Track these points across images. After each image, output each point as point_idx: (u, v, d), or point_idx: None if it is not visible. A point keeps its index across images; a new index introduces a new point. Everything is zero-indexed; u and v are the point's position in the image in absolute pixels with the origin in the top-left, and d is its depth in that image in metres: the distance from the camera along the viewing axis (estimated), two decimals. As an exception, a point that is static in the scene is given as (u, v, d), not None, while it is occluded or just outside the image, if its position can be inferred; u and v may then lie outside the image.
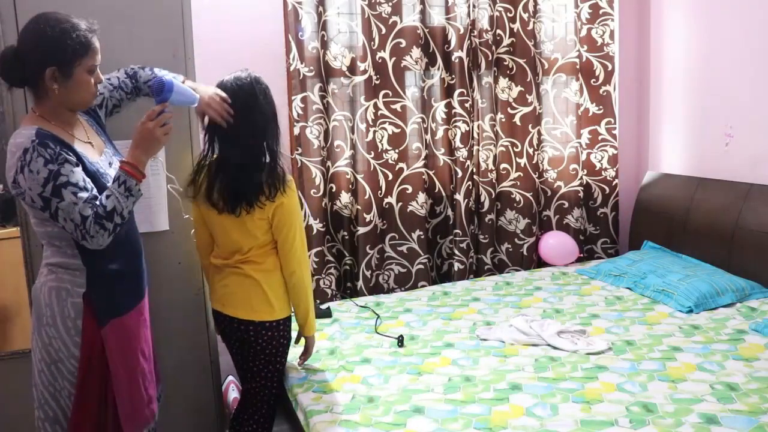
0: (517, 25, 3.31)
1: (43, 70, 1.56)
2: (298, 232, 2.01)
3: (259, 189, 1.92)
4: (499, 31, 3.29)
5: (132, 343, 1.75)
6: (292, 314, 2.86)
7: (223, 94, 1.90)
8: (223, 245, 2.05)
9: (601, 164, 3.59)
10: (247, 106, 1.92)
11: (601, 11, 3.45)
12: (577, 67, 3.46)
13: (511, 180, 3.42)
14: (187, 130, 2.17)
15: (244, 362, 2.09)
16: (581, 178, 3.54)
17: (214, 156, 2.00)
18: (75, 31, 1.58)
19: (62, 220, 1.56)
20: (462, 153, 3.27)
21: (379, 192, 3.17)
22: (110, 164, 1.74)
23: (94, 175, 1.64)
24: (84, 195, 1.57)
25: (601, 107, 3.54)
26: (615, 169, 3.59)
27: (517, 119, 3.39)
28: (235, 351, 2.11)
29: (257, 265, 2.01)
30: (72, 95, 1.62)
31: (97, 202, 1.59)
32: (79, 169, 1.59)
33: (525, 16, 3.31)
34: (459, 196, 3.29)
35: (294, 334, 2.19)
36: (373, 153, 3.13)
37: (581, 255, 3.55)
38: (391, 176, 3.19)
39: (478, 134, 3.33)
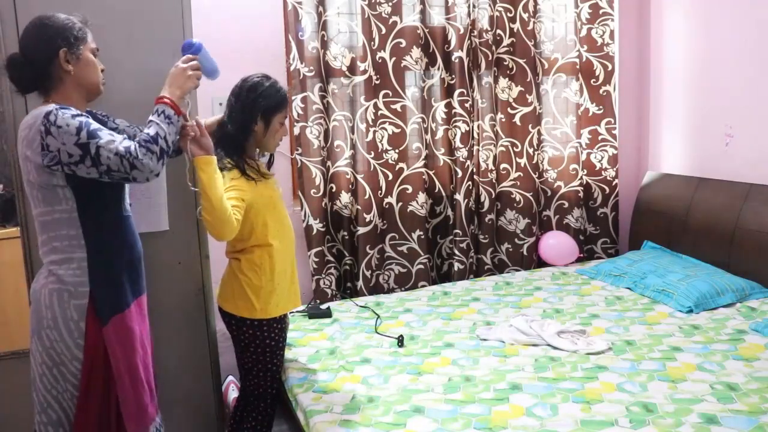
0: (517, 25, 3.31)
1: (55, 55, 1.61)
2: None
3: None
4: (499, 31, 3.29)
5: (133, 339, 1.75)
6: (289, 314, 2.86)
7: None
8: None
9: (601, 164, 3.59)
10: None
11: (601, 11, 3.46)
12: (577, 67, 3.46)
13: (511, 180, 3.42)
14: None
15: (237, 356, 2.12)
16: (581, 178, 3.55)
17: None
18: (71, 19, 1.66)
19: (105, 159, 1.56)
20: (462, 153, 3.27)
21: (379, 192, 3.17)
22: None
23: None
24: (119, 136, 1.61)
25: (601, 107, 3.54)
26: (615, 169, 3.60)
27: (517, 119, 3.39)
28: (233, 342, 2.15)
29: (238, 261, 2.03)
30: (84, 75, 1.67)
31: (138, 135, 1.65)
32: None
33: (525, 16, 3.31)
34: (459, 196, 3.29)
35: (290, 335, 2.18)
36: (373, 153, 3.13)
37: (581, 255, 3.55)
38: (391, 176, 3.19)
39: (478, 134, 3.33)
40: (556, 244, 3.46)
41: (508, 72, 3.34)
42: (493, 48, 3.29)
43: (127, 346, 1.72)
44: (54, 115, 1.55)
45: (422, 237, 3.25)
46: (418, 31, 3.13)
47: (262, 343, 2.05)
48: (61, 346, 1.63)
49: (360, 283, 3.15)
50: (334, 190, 3.13)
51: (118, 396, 1.70)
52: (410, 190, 3.23)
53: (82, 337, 1.64)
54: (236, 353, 2.12)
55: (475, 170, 3.35)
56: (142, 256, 1.85)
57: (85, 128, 1.56)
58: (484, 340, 2.47)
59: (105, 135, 1.58)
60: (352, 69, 3.07)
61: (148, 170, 1.61)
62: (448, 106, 3.27)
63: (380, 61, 3.09)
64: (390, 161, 3.18)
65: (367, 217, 3.13)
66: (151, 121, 1.67)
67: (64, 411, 1.68)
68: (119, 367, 1.69)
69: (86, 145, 1.55)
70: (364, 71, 3.05)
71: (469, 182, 3.31)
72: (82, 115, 1.60)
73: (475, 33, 3.23)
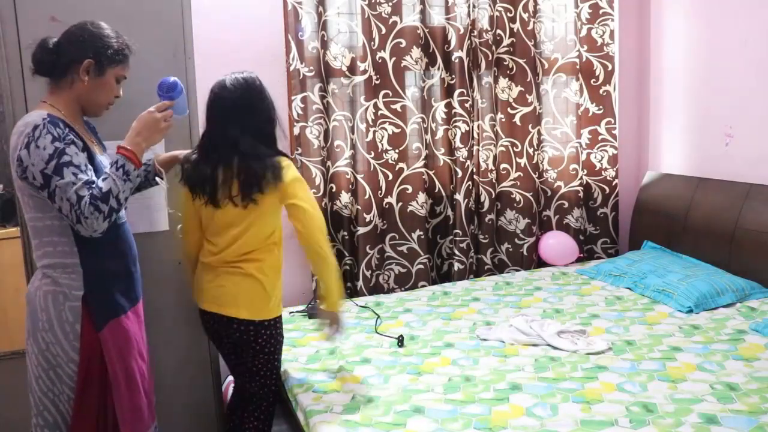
0: (517, 25, 3.31)
1: (80, 60, 1.61)
2: (309, 201, 1.94)
3: (263, 177, 1.89)
4: (499, 31, 3.29)
5: (130, 344, 1.74)
6: (289, 314, 2.86)
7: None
8: (221, 241, 1.99)
9: (601, 164, 3.59)
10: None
11: (601, 11, 3.46)
12: (577, 67, 3.46)
13: (511, 180, 3.42)
14: (186, 129, 2.16)
15: (241, 363, 2.06)
16: (581, 178, 3.55)
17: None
18: (118, 39, 1.67)
19: (59, 200, 1.54)
20: (462, 153, 3.27)
21: (379, 192, 3.17)
22: None
23: (97, 168, 1.65)
24: (84, 177, 1.56)
25: (601, 107, 3.54)
26: (615, 169, 3.59)
27: (517, 119, 3.39)
28: (227, 352, 2.08)
29: (258, 263, 1.97)
30: (95, 93, 1.66)
31: (94, 185, 1.57)
32: (83, 154, 1.60)
33: (525, 16, 3.31)
34: (459, 196, 3.29)
35: (291, 336, 2.18)
36: (373, 153, 3.13)
37: (581, 255, 3.55)
38: (391, 176, 3.19)
39: (478, 134, 3.33)
40: (556, 244, 3.46)
41: (508, 72, 3.34)
42: (493, 48, 3.29)
43: (123, 350, 1.71)
44: (39, 131, 1.53)
45: (422, 237, 3.25)
46: (418, 31, 3.13)
47: (275, 341, 2.04)
48: (57, 349, 1.63)
49: (360, 283, 3.15)
50: (334, 190, 3.13)
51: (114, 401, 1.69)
52: (410, 190, 3.22)
53: (77, 339, 1.63)
54: (245, 359, 2.04)
55: (475, 170, 3.35)
56: (138, 260, 1.83)
57: (56, 159, 1.52)
58: (484, 340, 2.47)
59: (68, 174, 1.53)
60: (352, 69, 3.07)
61: (92, 229, 1.55)
62: (448, 106, 3.27)
63: (380, 61, 3.09)
64: (390, 161, 3.18)
65: (367, 217, 3.13)
66: (107, 174, 1.60)
67: (61, 414, 1.67)
68: (115, 371, 1.67)
69: (50, 177, 1.53)
70: (364, 71, 3.05)
71: (469, 182, 3.31)
72: (64, 140, 1.55)
73: (475, 33, 3.23)
